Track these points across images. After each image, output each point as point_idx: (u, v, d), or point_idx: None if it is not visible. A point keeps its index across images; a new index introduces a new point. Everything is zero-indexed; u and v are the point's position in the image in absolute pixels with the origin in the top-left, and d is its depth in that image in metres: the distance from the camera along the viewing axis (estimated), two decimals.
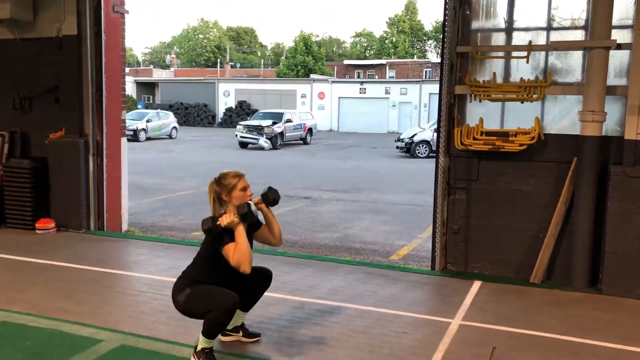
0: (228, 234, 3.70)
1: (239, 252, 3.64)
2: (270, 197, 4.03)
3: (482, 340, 4.37)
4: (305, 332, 4.44)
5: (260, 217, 4.10)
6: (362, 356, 4.06)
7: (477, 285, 5.67)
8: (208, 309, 3.69)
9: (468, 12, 5.99)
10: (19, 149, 7.70)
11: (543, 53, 5.83)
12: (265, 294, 4.28)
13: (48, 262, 6.15)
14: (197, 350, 3.84)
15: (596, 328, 4.64)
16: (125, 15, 7.74)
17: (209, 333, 3.75)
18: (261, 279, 4.15)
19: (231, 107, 43.69)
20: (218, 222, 3.69)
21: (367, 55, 71.40)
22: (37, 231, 7.37)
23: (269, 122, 26.01)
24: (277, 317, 4.73)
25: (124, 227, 7.92)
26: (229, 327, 4.20)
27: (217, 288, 3.76)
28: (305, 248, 7.53)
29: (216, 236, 3.72)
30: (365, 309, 4.99)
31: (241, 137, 25.62)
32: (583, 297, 5.41)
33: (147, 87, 49.92)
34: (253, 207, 3.80)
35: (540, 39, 5.83)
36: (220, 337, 4.22)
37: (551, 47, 5.70)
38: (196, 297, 3.76)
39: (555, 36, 5.77)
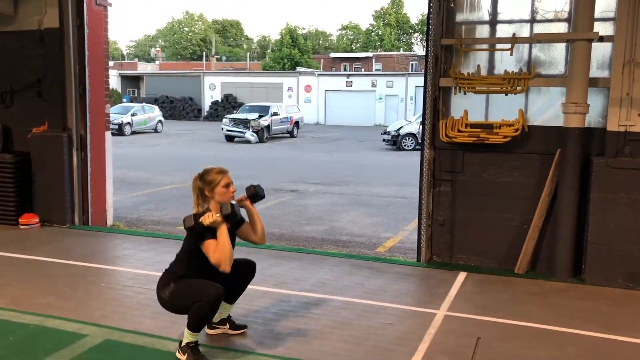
0: (210, 230, 3.68)
1: (220, 251, 3.62)
2: (254, 194, 4.01)
3: (467, 330, 4.40)
4: (291, 325, 4.45)
5: (246, 219, 4.09)
6: (348, 348, 4.07)
7: (462, 276, 5.72)
8: (194, 302, 3.67)
9: (452, 5, 6.00)
10: (0, 144, 7.59)
11: (527, 45, 5.86)
12: (251, 287, 4.29)
13: (32, 257, 6.10)
14: (182, 345, 3.83)
15: (580, 317, 4.70)
16: (109, 7, 7.66)
17: (193, 325, 3.74)
18: (246, 270, 4.14)
19: (217, 101, 43.51)
20: (200, 221, 3.67)
21: (354, 48, 71.30)
22: (21, 226, 7.30)
23: (256, 115, 25.90)
24: (263, 309, 4.73)
25: (109, 221, 7.86)
26: (215, 319, 4.19)
27: (200, 280, 3.74)
28: (291, 241, 7.54)
29: (197, 232, 3.70)
30: (351, 300, 5.01)
31: (227, 130, 25.50)
32: (566, 287, 5.47)
33: (132, 81, 49.45)
34: (237, 207, 3.77)
35: (524, 31, 5.85)
36: (206, 329, 4.22)
37: (535, 39, 5.73)
38: (180, 292, 3.75)
39: (539, 29, 5.80)
